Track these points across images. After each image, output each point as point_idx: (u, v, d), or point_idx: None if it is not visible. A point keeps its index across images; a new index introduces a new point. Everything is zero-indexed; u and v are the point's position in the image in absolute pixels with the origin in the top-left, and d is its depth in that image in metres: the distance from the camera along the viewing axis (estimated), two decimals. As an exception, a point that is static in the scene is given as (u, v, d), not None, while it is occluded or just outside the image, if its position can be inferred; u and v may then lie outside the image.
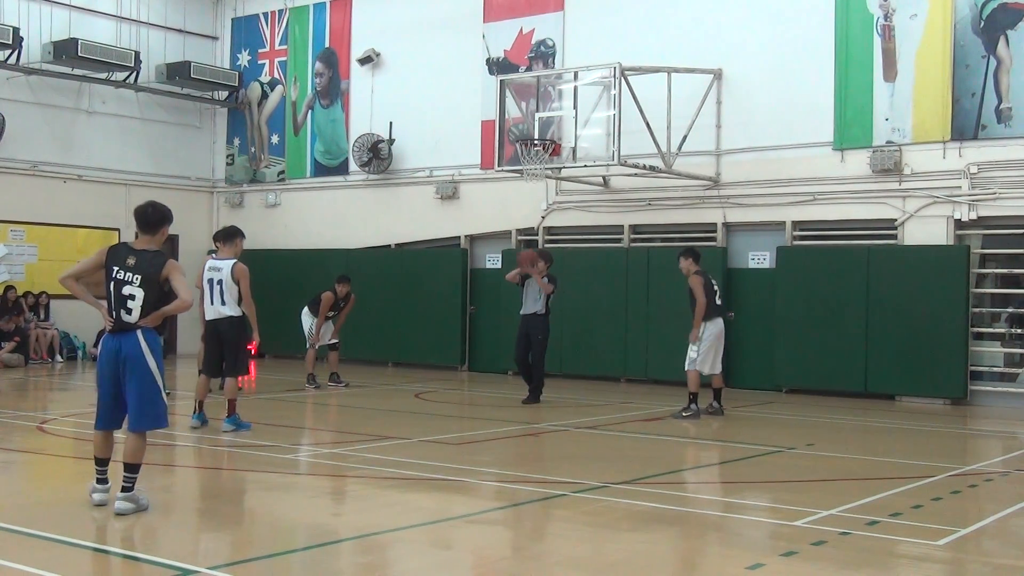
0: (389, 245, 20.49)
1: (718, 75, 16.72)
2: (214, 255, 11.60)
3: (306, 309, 16.15)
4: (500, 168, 16.84)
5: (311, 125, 21.70)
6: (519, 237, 18.82)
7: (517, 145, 15.68)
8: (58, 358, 19.67)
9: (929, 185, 15.20)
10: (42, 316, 19.84)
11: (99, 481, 7.29)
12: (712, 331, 12.89)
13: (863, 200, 15.71)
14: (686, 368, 12.93)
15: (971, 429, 13.20)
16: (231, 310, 11.16)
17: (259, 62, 22.47)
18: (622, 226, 17.68)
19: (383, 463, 9.33)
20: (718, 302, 13.08)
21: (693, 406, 12.87)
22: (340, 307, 16.09)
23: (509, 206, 18.76)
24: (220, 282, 11.10)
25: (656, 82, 15.81)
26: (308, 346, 16.03)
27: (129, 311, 7.13)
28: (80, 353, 20.38)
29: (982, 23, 14.74)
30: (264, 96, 22.39)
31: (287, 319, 17.27)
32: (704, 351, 12.84)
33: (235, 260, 11.19)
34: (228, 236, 11.45)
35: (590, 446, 11.01)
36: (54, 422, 11.89)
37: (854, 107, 15.65)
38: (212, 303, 11.19)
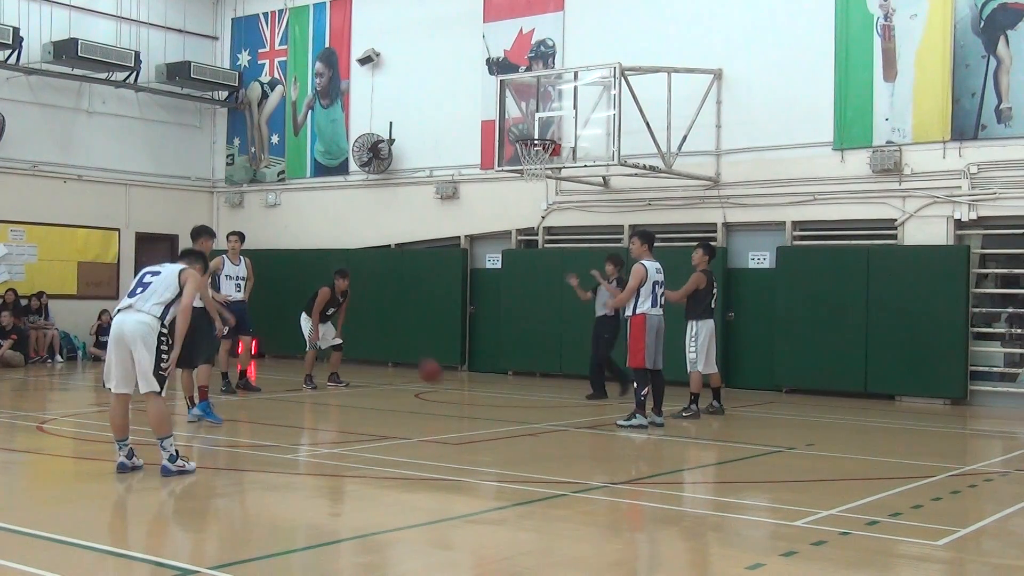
0: (389, 245, 20.49)
1: (718, 75, 16.71)
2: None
3: (304, 314, 15.79)
4: (500, 168, 16.83)
5: (311, 125, 21.69)
6: (519, 237, 18.83)
7: (517, 145, 15.68)
8: (58, 358, 19.66)
9: (929, 185, 15.20)
10: (42, 316, 19.82)
11: None
12: (705, 331, 13.01)
13: (863, 200, 15.71)
14: (689, 371, 12.98)
15: (971, 429, 13.20)
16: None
17: (259, 62, 22.47)
18: (622, 226, 17.66)
19: (383, 463, 9.32)
20: (712, 305, 13.18)
21: (693, 406, 12.90)
22: (339, 303, 15.81)
23: (509, 206, 18.76)
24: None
25: (656, 82, 15.81)
26: (308, 348, 15.88)
27: None
28: (80, 353, 20.36)
29: (982, 23, 14.74)
30: (264, 96, 22.39)
31: (287, 319, 17.24)
32: (701, 352, 12.95)
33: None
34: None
35: (590, 446, 11.01)
36: (54, 422, 11.88)
37: (854, 107, 15.65)
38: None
